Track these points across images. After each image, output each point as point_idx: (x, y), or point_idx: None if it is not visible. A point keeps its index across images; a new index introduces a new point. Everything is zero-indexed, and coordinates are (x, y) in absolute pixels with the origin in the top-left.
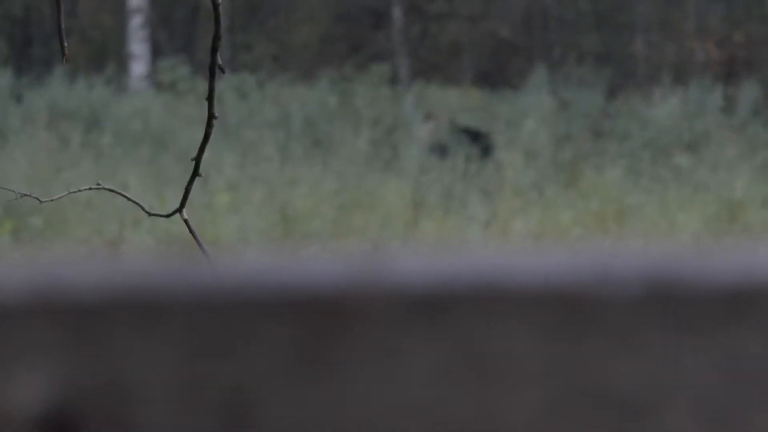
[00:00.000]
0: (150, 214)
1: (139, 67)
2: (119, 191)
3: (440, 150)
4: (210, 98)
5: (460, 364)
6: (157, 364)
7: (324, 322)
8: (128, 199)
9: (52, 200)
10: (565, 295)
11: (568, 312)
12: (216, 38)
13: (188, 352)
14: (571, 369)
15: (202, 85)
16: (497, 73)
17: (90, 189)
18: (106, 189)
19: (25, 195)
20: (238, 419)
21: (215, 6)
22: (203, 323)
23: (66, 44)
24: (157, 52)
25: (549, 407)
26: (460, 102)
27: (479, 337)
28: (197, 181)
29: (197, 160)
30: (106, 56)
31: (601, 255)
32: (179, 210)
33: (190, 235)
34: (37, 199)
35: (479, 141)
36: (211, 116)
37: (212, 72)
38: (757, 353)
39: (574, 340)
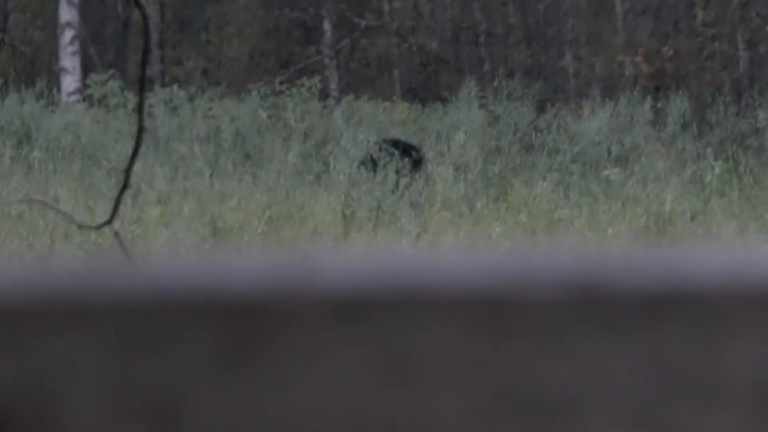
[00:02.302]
0: (80, 226)
1: (69, 82)
2: (48, 202)
3: (370, 164)
4: (140, 110)
5: (383, 366)
6: (82, 367)
7: (248, 326)
8: (57, 210)
9: None
10: (489, 299)
11: (493, 315)
12: (146, 51)
13: (113, 355)
14: (495, 371)
15: (133, 100)
16: (427, 87)
17: (20, 201)
18: (35, 201)
19: None
20: (162, 419)
21: (145, 20)
22: (128, 327)
23: None
24: (87, 67)
25: (473, 409)
26: (389, 116)
27: (403, 340)
28: (128, 194)
29: (127, 171)
30: (36, 71)
31: (525, 260)
32: (109, 221)
33: (120, 249)
34: None
35: (411, 154)
36: (140, 128)
37: (142, 84)
38: (679, 355)
39: (499, 342)
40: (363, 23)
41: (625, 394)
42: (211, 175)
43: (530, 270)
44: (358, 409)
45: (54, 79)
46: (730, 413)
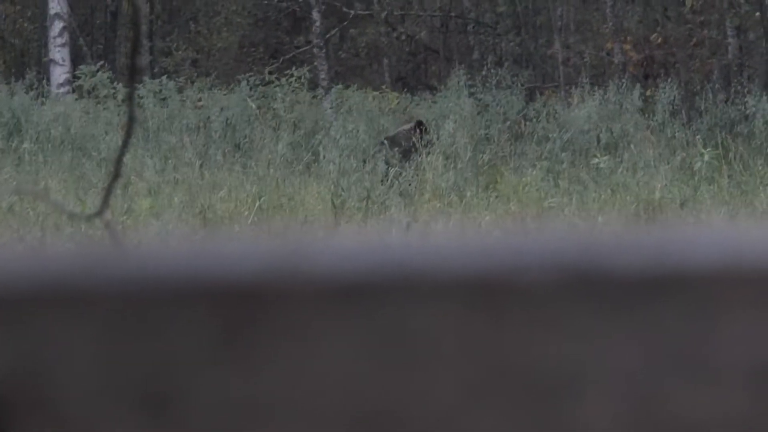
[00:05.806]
0: (71, 217)
1: (59, 74)
2: (39, 193)
3: (361, 152)
4: (130, 101)
5: (376, 348)
6: (77, 353)
7: (241, 310)
8: (48, 201)
9: None
10: (481, 281)
11: (486, 297)
12: (136, 42)
13: (108, 340)
14: (489, 351)
15: (122, 91)
16: (416, 76)
17: (11, 193)
18: (26, 192)
19: None
20: (156, 402)
21: (135, 10)
22: (121, 312)
23: None
24: (77, 58)
25: (466, 388)
26: (379, 105)
27: (395, 322)
28: (118, 185)
29: (117, 161)
30: (26, 63)
31: (517, 243)
32: (100, 212)
33: (111, 239)
34: None
35: (401, 144)
36: (131, 119)
37: (132, 75)
38: (670, 335)
39: (492, 323)
40: (352, 12)
41: (618, 373)
42: (201, 165)
43: (522, 252)
44: (352, 389)
45: (43, 71)
46: (719, 391)
